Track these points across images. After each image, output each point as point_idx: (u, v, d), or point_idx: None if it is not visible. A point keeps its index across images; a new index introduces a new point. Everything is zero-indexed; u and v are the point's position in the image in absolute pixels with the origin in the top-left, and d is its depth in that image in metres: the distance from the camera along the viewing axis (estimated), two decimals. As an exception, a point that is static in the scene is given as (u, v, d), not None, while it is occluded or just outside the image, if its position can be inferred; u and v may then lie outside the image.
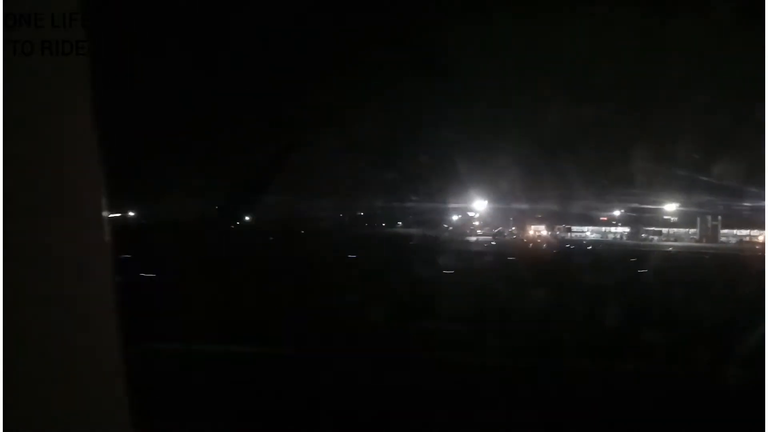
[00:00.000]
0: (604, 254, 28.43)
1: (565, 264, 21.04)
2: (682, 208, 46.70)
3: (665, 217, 48.24)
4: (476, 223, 56.64)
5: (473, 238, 43.90)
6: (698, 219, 47.54)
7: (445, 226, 61.61)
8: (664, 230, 48.62)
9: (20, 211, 1.70)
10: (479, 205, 49.16)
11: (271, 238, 29.38)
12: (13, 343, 1.66)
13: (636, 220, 48.25)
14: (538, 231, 47.93)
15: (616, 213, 51.67)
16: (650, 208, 46.98)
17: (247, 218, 63.69)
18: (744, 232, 45.63)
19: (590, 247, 34.25)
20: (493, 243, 37.73)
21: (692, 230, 48.12)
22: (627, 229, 49.43)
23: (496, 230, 48.26)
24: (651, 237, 48.33)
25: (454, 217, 63.97)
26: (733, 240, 45.86)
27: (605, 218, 52.39)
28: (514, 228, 47.54)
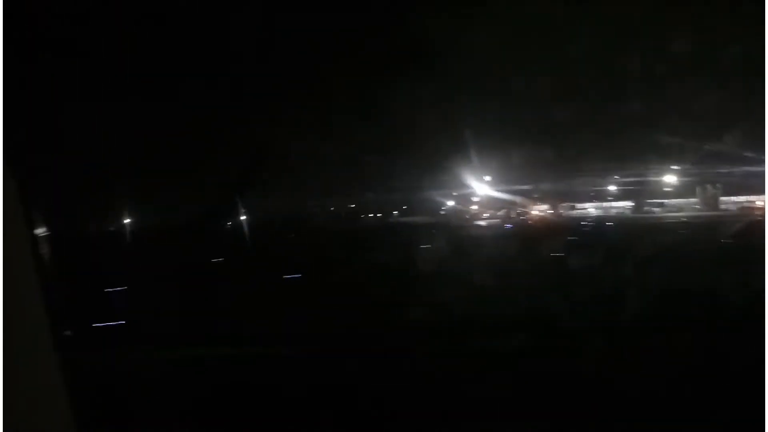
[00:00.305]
0: (644, 229, 28.11)
1: (648, 242, 20.34)
2: (680, 178, 47.26)
3: (664, 188, 48.70)
4: (474, 206, 56.35)
5: (483, 222, 43.40)
6: (698, 188, 48.18)
7: (442, 211, 61.27)
8: (665, 201, 49.11)
9: (20, 210, 1.69)
10: (479, 188, 48.74)
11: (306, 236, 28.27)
12: None
13: (637, 193, 48.60)
14: (541, 210, 47.77)
15: (612, 188, 52.09)
16: (649, 181, 47.44)
17: (242, 217, 62.16)
18: (741, 198, 46.48)
19: (611, 224, 34.03)
20: (509, 225, 37.23)
21: (692, 199, 48.77)
22: (629, 204, 49.73)
23: (500, 212, 47.92)
24: (653, 209, 48.79)
25: (450, 202, 63.70)
26: (732, 207, 46.60)
27: (593, 194, 52.76)
28: (518, 208, 47.22)
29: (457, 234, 27.05)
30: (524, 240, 22.44)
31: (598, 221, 35.57)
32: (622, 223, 35.10)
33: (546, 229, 31.14)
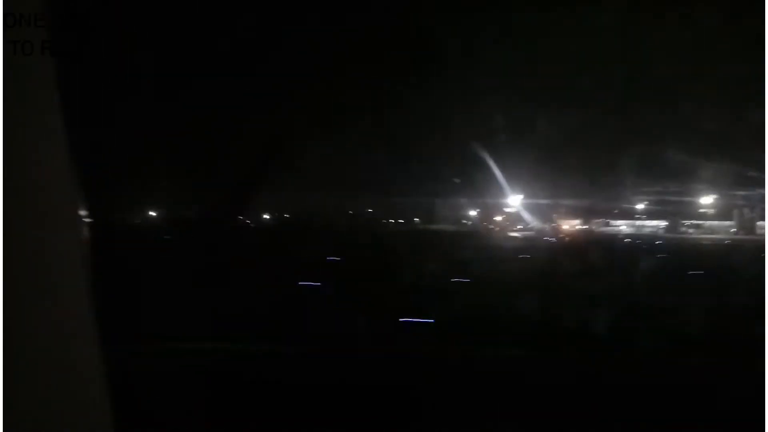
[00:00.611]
0: (712, 251, 26.95)
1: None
2: (716, 200, 46.39)
3: (699, 209, 47.84)
4: (498, 218, 54.98)
5: (516, 234, 42.01)
6: (735, 211, 47.34)
7: (464, 221, 59.81)
8: (701, 223, 48.22)
9: (19, 211, 1.71)
10: (513, 201, 47.37)
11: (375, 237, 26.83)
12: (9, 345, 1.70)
13: (672, 213, 47.64)
14: (574, 225, 46.55)
15: (644, 206, 51.09)
16: (684, 201, 46.48)
17: (266, 216, 60.58)
18: (778, 222, 45.57)
19: (660, 242, 32.76)
20: (552, 239, 35.85)
21: (727, 222, 47.89)
22: (663, 223, 48.72)
23: (530, 225, 46.57)
24: (688, 230, 47.85)
25: (473, 212, 62.31)
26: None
27: (625, 211, 51.63)
28: (552, 223, 45.86)
29: (526, 246, 25.58)
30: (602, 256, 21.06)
31: (647, 239, 34.27)
32: (672, 242, 33.85)
33: (598, 245, 29.63)
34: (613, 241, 31.73)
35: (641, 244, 28.78)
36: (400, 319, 8.07)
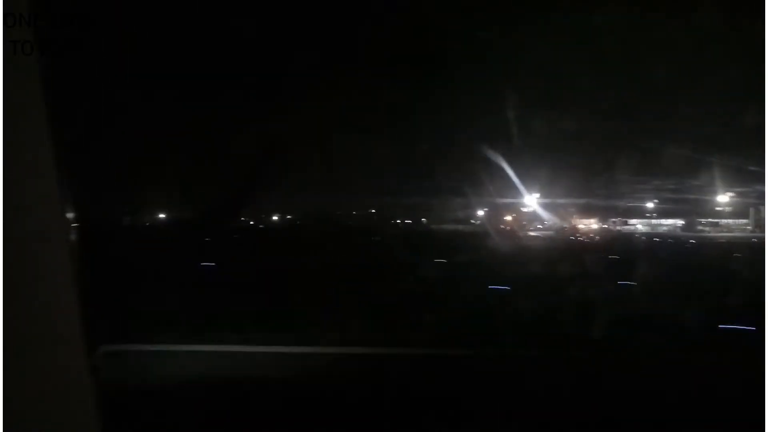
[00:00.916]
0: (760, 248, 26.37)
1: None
2: (732, 198, 46.27)
3: (715, 208, 47.68)
4: (508, 218, 54.14)
5: (536, 234, 41.21)
6: (751, 209, 47.35)
7: (473, 221, 58.82)
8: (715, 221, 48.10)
9: (19, 211, 1.71)
10: (528, 200, 46.52)
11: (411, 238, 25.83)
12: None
13: (687, 211, 47.45)
14: (590, 225, 45.97)
15: (651, 205, 50.77)
16: (699, 200, 46.24)
17: (274, 217, 58.82)
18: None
19: (692, 242, 32.18)
20: (582, 239, 35.03)
21: (742, 221, 47.85)
22: (679, 222, 48.49)
23: (545, 225, 45.82)
24: (705, 229, 47.67)
25: (480, 212, 61.32)
26: (783, 229, 45.67)
27: (639, 210, 51.28)
28: (569, 223, 45.18)
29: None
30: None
31: (675, 238, 33.71)
32: (707, 241, 33.36)
33: (647, 245, 28.84)
34: (654, 241, 31.02)
35: (684, 243, 28.12)
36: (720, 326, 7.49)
